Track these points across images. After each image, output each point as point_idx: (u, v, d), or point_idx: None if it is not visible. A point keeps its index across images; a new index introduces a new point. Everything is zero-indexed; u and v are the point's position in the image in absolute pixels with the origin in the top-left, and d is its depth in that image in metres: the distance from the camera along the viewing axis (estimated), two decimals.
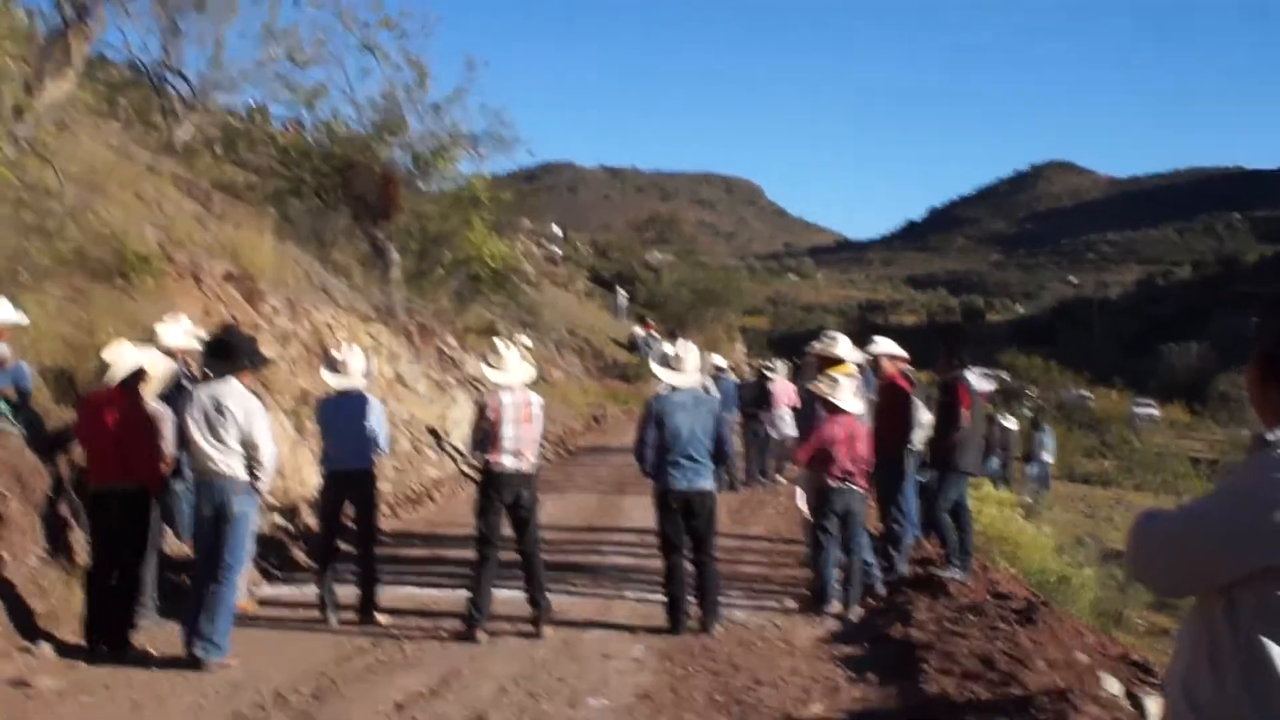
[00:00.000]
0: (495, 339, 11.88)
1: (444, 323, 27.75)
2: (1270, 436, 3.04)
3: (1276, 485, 2.90)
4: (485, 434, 10.11)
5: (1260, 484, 2.95)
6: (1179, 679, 3.16)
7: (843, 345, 12.54)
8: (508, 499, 10.17)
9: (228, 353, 9.23)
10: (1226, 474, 3.12)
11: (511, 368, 10.35)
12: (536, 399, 10.44)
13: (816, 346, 12.87)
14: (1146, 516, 3.28)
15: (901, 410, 12.45)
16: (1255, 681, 2.92)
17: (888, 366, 12.81)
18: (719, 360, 22.96)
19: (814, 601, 11.16)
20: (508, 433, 10.06)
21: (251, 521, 9.40)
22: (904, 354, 13.12)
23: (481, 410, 10.20)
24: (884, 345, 13.07)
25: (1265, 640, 2.92)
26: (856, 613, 11.04)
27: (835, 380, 11.46)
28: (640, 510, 15.70)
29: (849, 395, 11.31)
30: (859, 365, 13.02)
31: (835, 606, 11.08)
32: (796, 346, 21.12)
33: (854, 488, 11.19)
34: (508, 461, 10.10)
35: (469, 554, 10.47)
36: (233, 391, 9.02)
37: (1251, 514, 2.93)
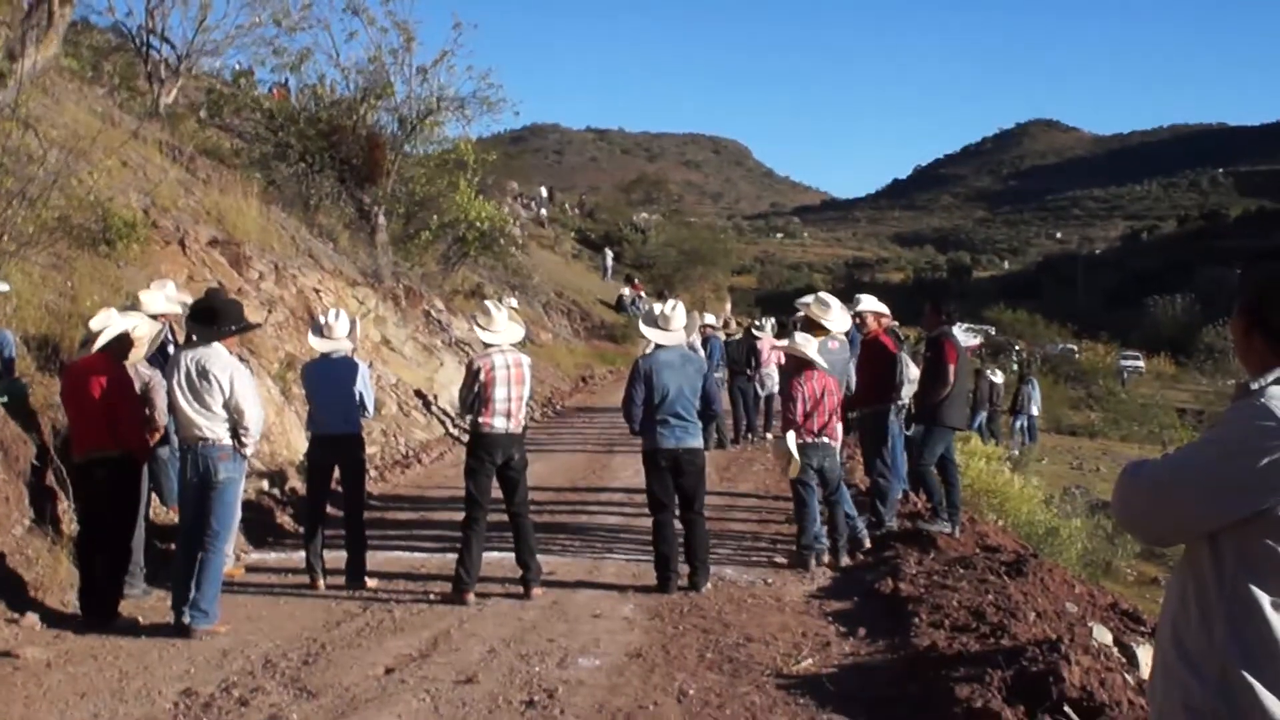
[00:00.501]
0: (485, 300, 11.79)
1: (431, 286, 27.65)
2: (1254, 385, 3.01)
3: (1260, 432, 2.89)
4: (477, 396, 10.02)
5: (1244, 431, 2.94)
6: (1168, 627, 3.15)
7: (835, 312, 12.46)
8: (499, 460, 10.09)
9: (212, 318, 9.08)
10: (1211, 422, 3.10)
11: (502, 328, 10.26)
12: (526, 360, 10.35)
13: (807, 304, 12.79)
14: (1133, 466, 3.26)
15: (885, 366, 12.45)
16: (1243, 631, 2.91)
17: (872, 323, 12.79)
18: (710, 319, 22.85)
19: (801, 556, 11.13)
20: (499, 394, 9.96)
21: (238, 487, 9.31)
22: (887, 311, 13.12)
23: (475, 372, 10.08)
24: (868, 303, 13.09)
25: (1252, 587, 2.91)
26: (844, 562, 11.13)
27: (806, 337, 11.47)
28: (628, 469, 15.74)
29: (815, 350, 11.34)
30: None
31: (824, 559, 11.10)
32: (784, 305, 21.02)
33: (829, 442, 11.19)
34: (499, 423, 10.01)
35: (457, 516, 10.43)
36: (217, 356, 8.89)
37: (1236, 462, 2.92)
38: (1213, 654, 2.94)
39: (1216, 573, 2.98)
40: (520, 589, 10.03)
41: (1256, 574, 2.91)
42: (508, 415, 10.03)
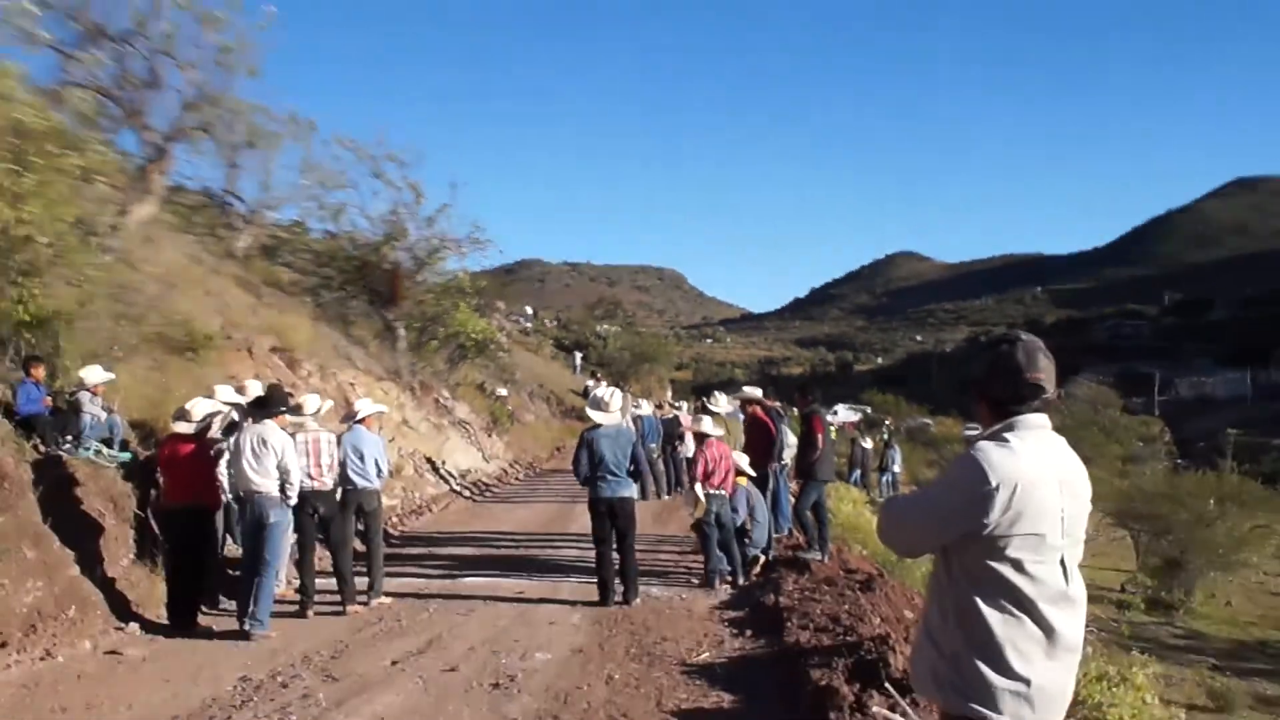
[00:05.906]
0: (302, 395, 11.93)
1: (440, 380, 27.81)
2: (973, 440, 3.27)
3: (971, 475, 3.10)
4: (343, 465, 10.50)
5: (960, 475, 3.16)
6: (924, 616, 3.36)
7: (721, 402, 12.96)
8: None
9: (267, 403, 9.48)
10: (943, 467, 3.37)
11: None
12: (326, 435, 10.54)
13: (706, 401, 13.25)
14: (889, 502, 3.53)
15: (762, 438, 12.89)
16: (968, 624, 3.13)
17: (751, 407, 13.33)
18: (645, 405, 22.87)
19: (708, 578, 11.37)
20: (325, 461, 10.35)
21: (285, 528, 9.47)
22: (760, 397, 13.72)
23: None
24: (748, 392, 13.80)
25: (971, 591, 3.13)
26: (741, 582, 11.44)
27: (701, 418, 12.14)
28: (588, 516, 15.85)
29: (711, 426, 11.91)
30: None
31: (724, 579, 11.41)
32: (710, 391, 21.22)
33: (724, 493, 11.49)
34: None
35: (457, 551, 10.65)
36: (273, 431, 9.22)
37: (953, 497, 3.15)
38: (948, 639, 3.17)
39: (949, 579, 3.20)
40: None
41: (975, 582, 3.13)
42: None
